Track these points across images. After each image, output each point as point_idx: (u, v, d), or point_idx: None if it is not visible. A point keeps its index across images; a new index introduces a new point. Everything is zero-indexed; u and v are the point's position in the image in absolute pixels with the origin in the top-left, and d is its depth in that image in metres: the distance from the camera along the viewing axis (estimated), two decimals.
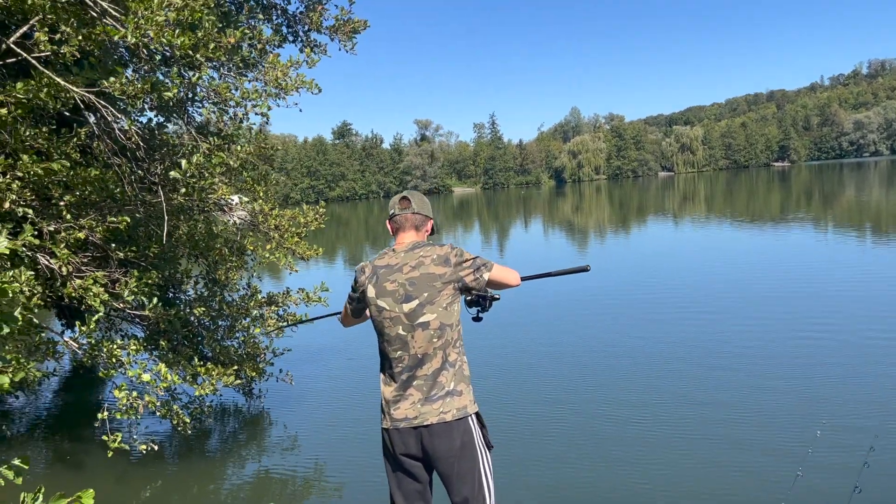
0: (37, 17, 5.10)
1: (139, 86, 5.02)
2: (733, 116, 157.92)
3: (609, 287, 14.89)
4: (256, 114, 5.77)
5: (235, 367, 7.09)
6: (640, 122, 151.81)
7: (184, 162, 5.38)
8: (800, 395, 7.29)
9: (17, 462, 2.42)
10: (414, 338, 2.91)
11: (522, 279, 3.20)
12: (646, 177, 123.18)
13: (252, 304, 7.76)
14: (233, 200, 7.82)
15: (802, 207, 34.49)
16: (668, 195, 60.43)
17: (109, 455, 5.67)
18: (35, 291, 5.41)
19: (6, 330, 2.45)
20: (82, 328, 5.71)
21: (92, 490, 2.40)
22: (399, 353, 2.95)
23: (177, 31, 4.79)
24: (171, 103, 5.50)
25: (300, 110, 6.93)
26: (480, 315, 3.20)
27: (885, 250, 17.74)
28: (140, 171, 6.17)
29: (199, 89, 5.65)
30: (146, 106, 5.81)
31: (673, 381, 8.13)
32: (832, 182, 58.86)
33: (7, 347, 5.63)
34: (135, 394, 5.89)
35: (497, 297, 3.17)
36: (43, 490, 2.40)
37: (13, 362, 5.11)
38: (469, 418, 2.90)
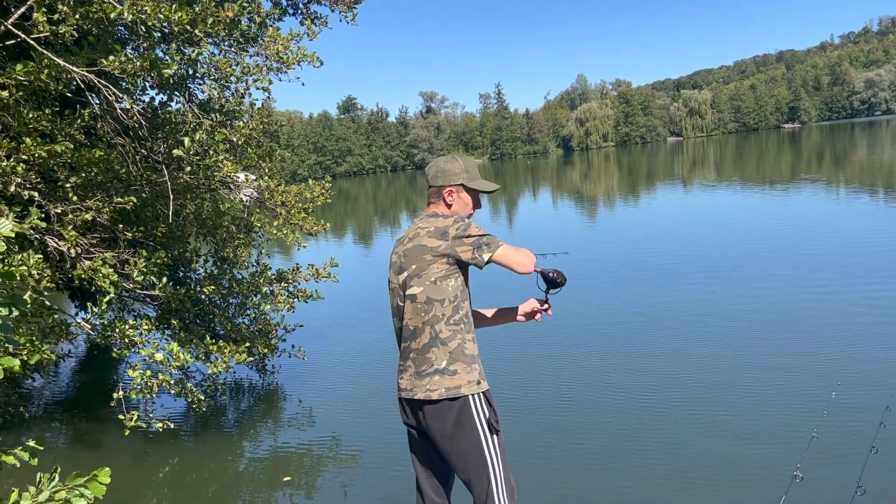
0: None
1: (138, 64, 4.97)
2: (742, 79, 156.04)
3: (617, 256, 14.86)
4: (258, 88, 5.72)
5: (248, 345, 7.13)
6: (648, 88, 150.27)
7: (186, 140, 5.34)
8: (814, 356, 7.26)
9: (31, 443, 2.43)
10: (405, 310, 2.88)
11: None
12: (654, 142, 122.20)
13: (262, 280, 7.77)
14: (239, 178, 7.80)
15: (813, 169, 34.14)
16: (678, 161, 59.97)
17: (126, 434, 5.72)
18: (45, 274, 5.43)
19: (16, 313, 2.45)
20: (94, 309, 5.73)
21: (108, 468, 2.41)
22: (399, 324, 2.95)
23: (174, 7, 4.73)
24: (171, 81, 5.45)
25: (302, 84, 6.85)
26: (551, 292, 3.10)
27: None
28: (144, 151, 6.14)
29: (199, 65, 5.60)
30: (147, 84, 5.76)
31: (685, 346, 8.12)
32: (843, 142, 58.21)
33: (21, 330, 5.67)
34: (149, 373, 5.93)
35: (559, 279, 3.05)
36: (59, 470, 2.41)
37: (27, 345, 5.15)
38: (467, 398, 2.79)
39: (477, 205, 3.09)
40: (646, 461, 5.47)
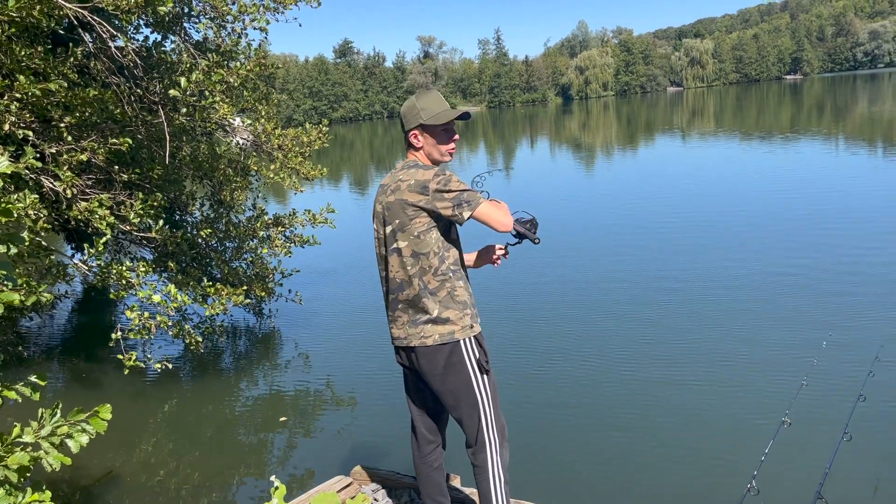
0: None
1: (132, 0, 4.86)
2: (745, 28, 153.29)
3: (607, 210, 14.86)
4: (255, 28, 5.61)
5: (245, 288, 7.15)
6: (649, 36, 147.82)
7: (182, 80, 5.25)
8: (806, 307, 7.33)
9: (33, 378, 2.45)
10: (391, 262, 2.87)
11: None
12: (654, 92, 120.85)
13: (259, 225, 7.76)
14: (235, 121, 7.72)
15: (813, 122, 33.88)
16: (677, 111, 59.42)
17: (126, 373, 5.78)
18: (41, 215, 5.40)
19: (14, 250, 2.44)
20: (91, 250, 5.73)
21: (109, 405, 2.44)
22: (384, 273, 2.94)
23: None
24: (166, 19, 5.34)
25: (300, 25, 6.73)
26: (510, 245, 3.04)
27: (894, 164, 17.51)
28: (139, 91, 6.05)
29: (195, 3, 5.48)
30: (141, 23, 5.65)
31: (677, 299, 8.19)
32: (845, 95, 57.66)
33: (17, 271, 5.67)
34: (146, 314, 5.96)
35: (537, 240, 2.95)
36: (60, 406, 2.45)
37: (24, 286, 5.16)
38: (460, 342, 2.83)
39: (447, 138, 2.92)
40: (632, 410, 5.57)
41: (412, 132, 2.91)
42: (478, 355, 2.87)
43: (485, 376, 2.90)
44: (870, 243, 9.49)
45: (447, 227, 2.86)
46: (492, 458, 2.93)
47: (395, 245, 2.83)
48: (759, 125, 35.33)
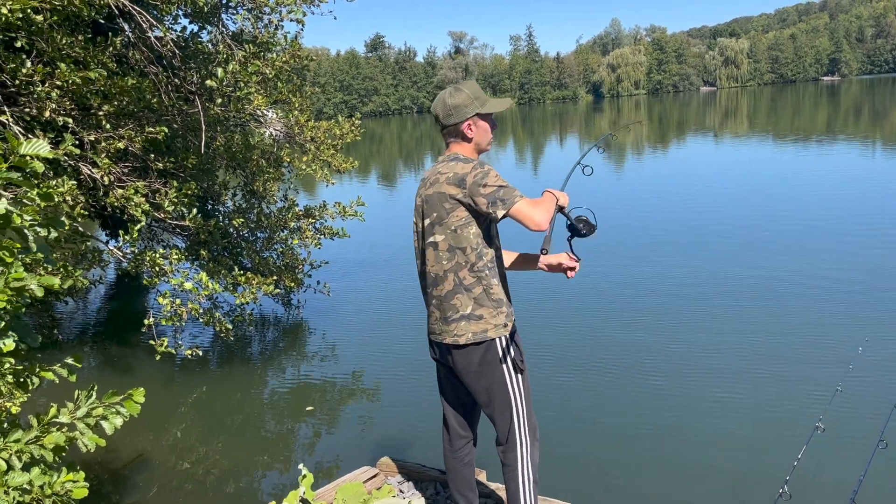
0: None
1: None
2: (782, 28, 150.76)
3: (643, 212, 14.73)
4: (291, 20, 5.64)
5: (275, 278, 7.21)
6: (683, 35, 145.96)
7: (220, 70, 5.30)
8: (842, 312, 7.21)
9: (69, 361, 2.49)
10: (427, 256, 2.85)
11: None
12: (687, 91, 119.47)
13: (290, 216, 7.81)
14: (268, 114, 7.77)
15: (850, 125, 33.24)
16: (710, 111, 58.68)
17: (157, 359, 5.86)
18: (78, 201, 5.50)
19: (54, 234, 2.48)
20: (125, 237, 5.82)
21: (143, 389, 2.48)
22: (422, 267, 2.92)
23: None
24: (205, 9, 5.39)
25: (335, 18, 6.77)
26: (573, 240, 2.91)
27: None
28: (176, 81, 6.12)
29: None
30: (180, 13, 5.70)
31: (712, 303, 8.09)
32: (884, 97, 56.48)
33: (55, 255, 5.79)
34: (178, 301, 6.03)
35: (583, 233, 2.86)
36: (96, 388, 2.49)
37: (61, 270, 5.25)
38: (495, 341, 2.81)
39: (494, 126, 2.96)
40: (666, 413, 5.52)
41: (467, 122, 2.86)
42: (513, 354, 2.85)
43: (519, 375, 2.87)
44: None
45: (487, 224, 2.81)
46: (522, 457, 2.91)
47: (432, 238, 2.81)
48: (794, 127, 34.76)
